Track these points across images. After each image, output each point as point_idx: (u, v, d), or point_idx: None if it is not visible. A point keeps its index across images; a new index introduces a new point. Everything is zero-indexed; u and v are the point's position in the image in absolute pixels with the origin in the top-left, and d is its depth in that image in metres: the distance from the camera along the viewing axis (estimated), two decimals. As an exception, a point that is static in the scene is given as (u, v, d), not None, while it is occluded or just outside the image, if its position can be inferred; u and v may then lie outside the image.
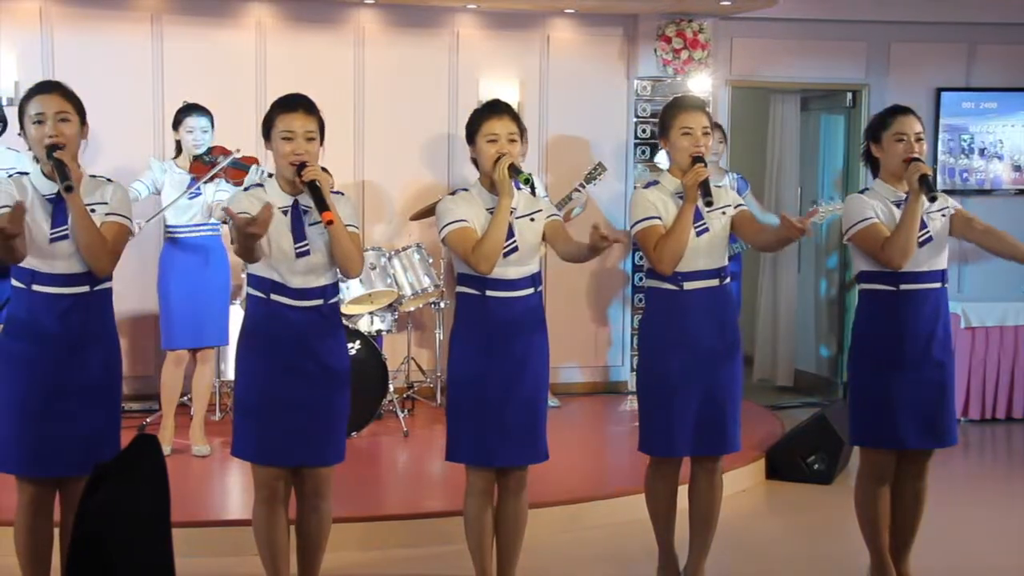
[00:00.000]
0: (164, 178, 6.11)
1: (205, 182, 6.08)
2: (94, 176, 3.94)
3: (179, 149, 6.23)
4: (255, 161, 6.31)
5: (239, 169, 6.20)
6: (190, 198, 6.08)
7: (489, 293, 4.13)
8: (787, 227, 4.08)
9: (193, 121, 6.15)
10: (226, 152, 6.20)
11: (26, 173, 3.91)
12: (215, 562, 4.82)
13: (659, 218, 4.30)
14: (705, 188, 4.23)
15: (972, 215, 4.44)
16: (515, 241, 4.14)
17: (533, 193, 4.28)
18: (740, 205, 4.44)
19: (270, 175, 4.20)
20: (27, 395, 3.80)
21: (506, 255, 4.12)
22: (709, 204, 4.23)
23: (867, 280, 4.39)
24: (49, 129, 3.76)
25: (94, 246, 3.78)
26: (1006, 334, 7.85)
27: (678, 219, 4.27)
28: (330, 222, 3.87)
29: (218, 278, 6.22)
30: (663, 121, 4.40)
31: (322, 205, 3.87)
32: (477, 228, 4.12)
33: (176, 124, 6.19)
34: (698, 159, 4.27)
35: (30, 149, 3.88)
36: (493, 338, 4.14)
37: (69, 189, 3.69)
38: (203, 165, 6.15)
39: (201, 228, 6.17)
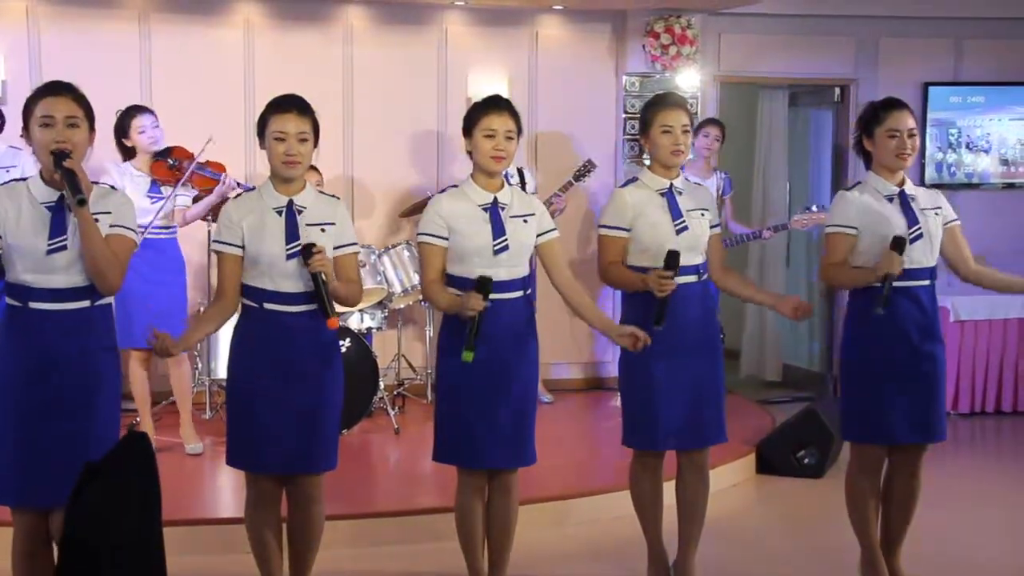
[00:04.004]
0: (124, 181, 5.92)
1: (174, 188, 6.06)
2: (96, 183, 3.76)
3: (128, 153, 6.11)
4: (223, 169, 6.27)
5: (208, 177, 6.16)
6: (153, 203, 6.03)
7: None
8: (774, 305, 4.49)
9: (141, 120, 6.04)
10: (188, 155, 6.15)
11: (24, 179, 3.73)
12: (207, 560, 4.81)
13: (627, 230, 4.30)
14: (661, 308, 4.15)
15: (967, 250, 4.43)
16: (506, 239, 4.11)
17: (522, 187, 4.26)
18: (715, 226, 4.44)
19: (250, 189, 4.14)
20: (25, 420, 3.60)
21: (496, 253, 4.09)
22: (658, 324, 4.15)
23: None
24: (57, 134, 3.57)
25: (103, 263, 3.58)
26: (995, 327, 7.85)
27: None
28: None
29: (173, 280, 6.14)
30: (644, 118, 4.40)
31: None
32: (466, 224, 4.09)
33: (125, 129, 6.04)
34: (675, 257, 4.19)
35: (33, 152, 3.70)
36: (482, 340, 4.07)
37: (82, 203, 3.50)
38: (167, 169, 6.09)
39: (156, 230, 6.07)
